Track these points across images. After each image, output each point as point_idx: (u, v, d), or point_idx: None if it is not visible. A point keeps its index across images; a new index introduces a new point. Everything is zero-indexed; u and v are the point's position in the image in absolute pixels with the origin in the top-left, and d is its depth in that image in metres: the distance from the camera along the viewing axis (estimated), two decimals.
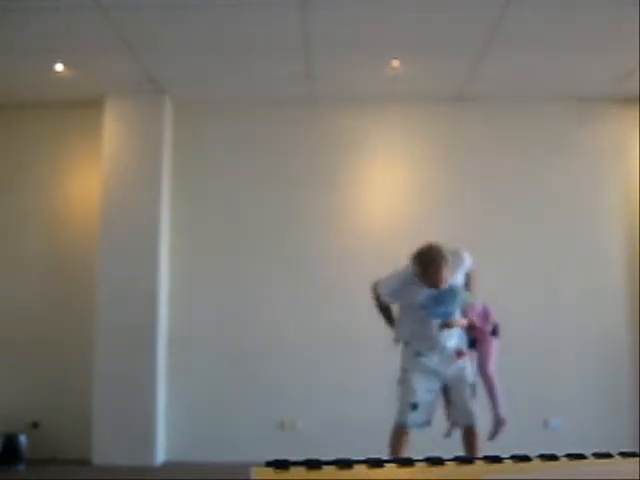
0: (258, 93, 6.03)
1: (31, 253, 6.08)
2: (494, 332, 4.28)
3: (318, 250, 6.02)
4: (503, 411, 4.25)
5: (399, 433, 3.87)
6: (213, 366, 5.89)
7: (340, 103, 6.10)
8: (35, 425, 5.78)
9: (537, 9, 4.51)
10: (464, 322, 4.03)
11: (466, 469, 1.79)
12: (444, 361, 3.94)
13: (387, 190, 6.12)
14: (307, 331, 5.86)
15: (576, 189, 6.08)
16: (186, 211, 6.10)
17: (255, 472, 1.67)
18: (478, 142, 6.12)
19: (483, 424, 4.09)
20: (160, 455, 5.73)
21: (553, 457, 1.88)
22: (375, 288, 4.10)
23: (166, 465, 5.69)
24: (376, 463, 1.79)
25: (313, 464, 1.71)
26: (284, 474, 1.67)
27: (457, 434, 4.05)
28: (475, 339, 4.17)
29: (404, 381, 3.94)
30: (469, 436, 3.92)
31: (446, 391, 3.99)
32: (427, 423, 3.91)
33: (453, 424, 4.02)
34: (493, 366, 4.28)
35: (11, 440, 5.50)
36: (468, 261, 4.09)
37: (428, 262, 3.85)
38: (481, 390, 4.25)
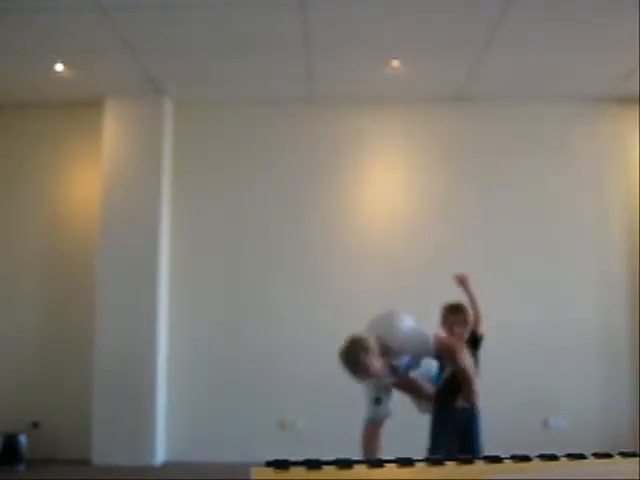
0: (258, 93, 6.03)
1: (31, 253, 6.08)
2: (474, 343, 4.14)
3: (318, 250, 6.02)
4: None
5: (371, 430, 3.96)
6: (213, 366, 5.89)
7: (340, 103, 6.10)
8: (35, 425, 5.79)
9: (537, 9, 4.51)
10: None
11: (466, 469, 1.79)
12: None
13: (387, 190, 6.13)
14: (307, 331, 5.86)
15: (576, 189, 6.08)
16: (186, 211, 6.10)
17: (255, 472, 1.67)
18: (478, 142, 6.12)
19: None
20: (160, 455, 5.73)
21: (553, 457, 1.88)
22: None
23: (166, 465, 5.69)
24: (376, 463, 1.79)
25: (313, 464, 1.71)
26: (284, 474, 1.67)
27: None
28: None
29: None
30: None
31: None
32: (389, 414, 4.00)
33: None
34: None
35: (11, 440, 5.50)
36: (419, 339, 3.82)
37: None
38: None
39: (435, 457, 1.86)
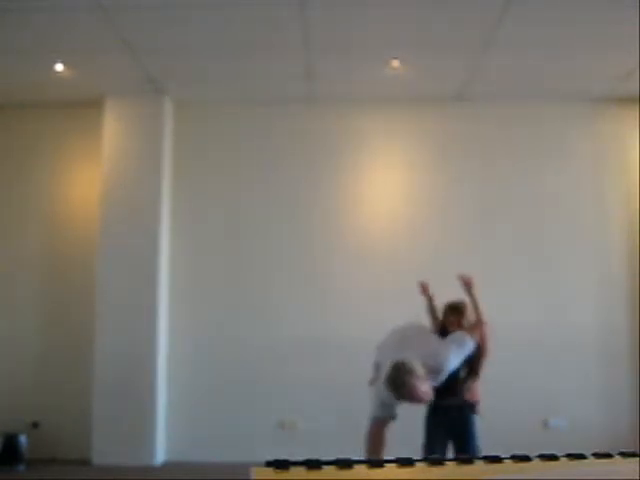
0: (258, 93, 6.03)
1: (31, 253, 6.08)
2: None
3: (318, 250, 6.02)
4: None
5: (374, 426, 3.88)
6: (213, 366, 5.89)
7: (340, 103, 6.10)
8: (35, 425, 5.78)
9: (537, 9, 4.51)
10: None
11: (466, 469, 1.79)
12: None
13: (387, 190, 6.13)
14: (307, 331, 5.85)
15: (576, 189, 6.08)
16: (186, 211, 6.10)
17: (255, 472, 1.67)
18: (478, 142, 6.12)
19: None
20: (160, 455, 5.73)
21: (553, 457, 1.88)
22: None
23: (166, 465, 5.69)
24: (376, 463, 1.79)
25: (313, 464, 1.71)
26: (284, 474, 1.67)
27: None
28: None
29: (374, 380, 3.95)
30: None
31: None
32: (392, 417, 3.87)
33: None
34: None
35: (11, 440, 5.50)
36: (451, 350, 3.79)
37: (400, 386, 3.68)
38: None
39: (435, 457, 1.85)
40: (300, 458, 1.74)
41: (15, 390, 5.86)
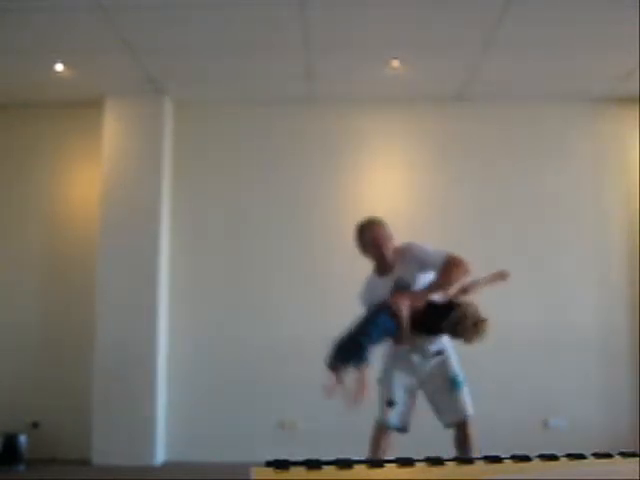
0: (258, 93, 6.03)
1: (31, 253, 6.08)
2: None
3: (318, 250, 6.02)
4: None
5: (378, 433, 3.74)
6: (213, 366, 5.90)
7: (340, 103, 6.10)
8: (35, 425, 5.78)
9: (537, 9, 4.52)
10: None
11: (466, 469, 1.79)
12: (424, 360, 3.74)
13: (387, 190, 6.12)
14: (307, 331, 5.85)
15: (576, 189, 6.08)
16: (186, 211, 6.10)
17: (255, 472, 1.67)
18: (478, 142, 6.12)
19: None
20: (160, 455, 5.73)
21: (553, 457, 1.88)
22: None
23: (166, 465, 5.69)
24: (376, 463, 1.79)
25: (313, 464, 1.71)
26: (284, 474, 1.67)
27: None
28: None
29: (382, 379, 3.81)
30: (458, 432, 3.70)
31: (425, 391, 3.76)
32: (403, 428, 3.72)
33: (444, 423, 3.72)
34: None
35: (11, 440, 5.50)
36: (423, 250, 3.72)
37: (361, 229, 3.78)
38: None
39: (435, 457, 1.85)
40: (300, 458, 1.74)
41: (15, 390, 5.86)
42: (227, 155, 6.19)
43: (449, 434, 3.73)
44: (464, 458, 1.85)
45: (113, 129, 5.97)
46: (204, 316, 5.97)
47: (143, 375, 5.68)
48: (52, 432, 5.78)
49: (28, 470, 5.44)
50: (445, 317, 3.53)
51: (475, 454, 3.54)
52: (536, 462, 1.85)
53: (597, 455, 1.89)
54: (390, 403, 3.73)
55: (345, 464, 1.74)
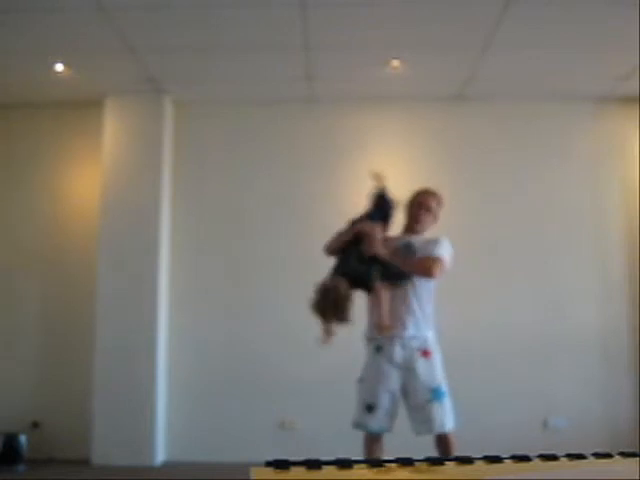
0: (258, 93, 6.03)
1: (31, 253, 6.08)
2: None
3: (318, 250, 6.00)
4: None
5: (368, 440, 3.64)
6: (213, 366, 5.89)
7: (340, 103, 6.10)
8: (35, 425, 5.78)
9: (537, 9, 4.52)
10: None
11: (466, 469, 1.79)
12: (406, 358, 3.63)
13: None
14: (307, 331, 5.84)
15: (576, 189, 6.08)
16: (186, 210, 6.10)
17: (255, 472, 1.67)
18: (478, 142, 6.12)
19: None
20: (160, 455, 5.73)
21: (553, 457, 1.87)
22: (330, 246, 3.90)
23: (166, 465, 5.69)
24: (376, 463, 1.78)
25: (313, 464, 1.71)
26: (284, 474, 1.67)
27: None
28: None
29: (362, 380, 3.71)
30: (439, 444, 3.61)
31: (405, 394, 3.66)
32: (385, 429, 3.61)
33: (415, 432, 3.63)
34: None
35: (11, 440, 5.50)
36: (443, 246, 3.74)
37: (427, 190, 3.86)
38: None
39: (435, 457, 1.85)
40: (300, 458, 1.74)
41: (15, 390, 5.86)
42: (227, 155, 6.19)
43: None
44: (464, 458, 1.85)
45: (113, 129, 5.97)
46: (204, 316, 5.97)
47: (143, 375, 5.68)
48: (52, 432, 5.78)
49: (28, 470, 5.43)
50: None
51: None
52: (536, 462, 1.85)
53: (597, 455, 1.88)
54: (370, 408, 3.61)
55: (345, 464, 1.74)
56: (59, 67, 5.39)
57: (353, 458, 1.78)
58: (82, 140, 6.17)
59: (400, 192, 6.12)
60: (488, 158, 6.10)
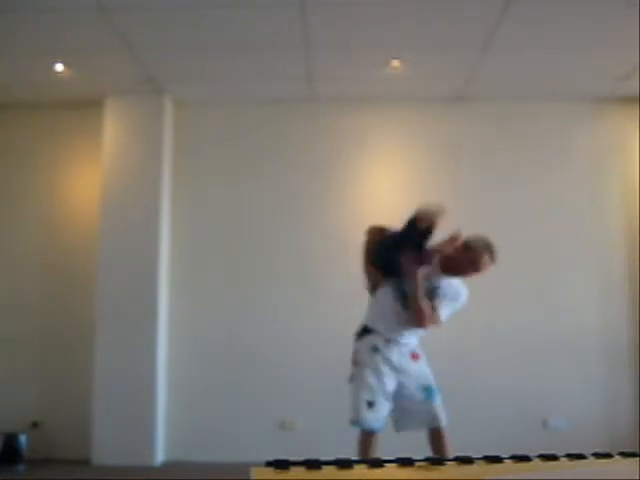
0: (258, 93, 6.03)
1: (31, 253, 6.08)
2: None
3: (319, 250, 6.02)
4: None
5: (364, 437, 3.68)
6: (213, 366, 5.89)
7: (340, 103, 6.10)
8: (35, 425, 5.78)
9: (537, 9, 4.52)
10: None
11: (466, 469, 1.78)
12: (400, 361, 3.74)
13: (387, 190, 6.12)
14: (307, 331, 5.85)
15: (576, 189, 6.08)
16: (186, 211, 6.10)
17: (255, 472, 1.66)
18: (478, 142, 6.12)
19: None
20: (160, 455, 5.73)
21: (553, 457, 1.87)
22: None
23: (166, 465, 5.69)
24: (376, 463, 1.78)
25: (313, 464, 1.71)
26: (284, 474, 1.66)
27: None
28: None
29: (358, 377, 3.75)
30: (434, 439, 3.72)
31: (400, 395, 3.75)
32: (382, 427, 3.71)
33: (409, 428, 3.80)
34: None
35: (11, 440, 5.50)
36: (456, 302, 3.90)
37: (484, 247, 3.87)
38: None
39: (435, 457, 1.85)
40: (300, 458, 1.73)
41: (15, 390, 5.86)
42: (227, 155, 6.19)
43: (449, 434, 3.73)
44: (464, 458, 1.85)
45: (113, 129, 5.97)
46: (204, 316, 5.97)
47: (143, 375, 5.68)
48: (52, 432, 5.78)
49: (28, 470, 5.43)
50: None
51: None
52: (536, 462, 1.85)
53: (597, 455, 1.88)
54: (370, 404, 3.67)
55: (345, 464, 1.73)
56: (59, 67, 5.39)
57: (353, 458, 1.78)
58: (82, 140, 6.17)
59: (400, 193, 6.15)
60: (488, 158, 6.10)
